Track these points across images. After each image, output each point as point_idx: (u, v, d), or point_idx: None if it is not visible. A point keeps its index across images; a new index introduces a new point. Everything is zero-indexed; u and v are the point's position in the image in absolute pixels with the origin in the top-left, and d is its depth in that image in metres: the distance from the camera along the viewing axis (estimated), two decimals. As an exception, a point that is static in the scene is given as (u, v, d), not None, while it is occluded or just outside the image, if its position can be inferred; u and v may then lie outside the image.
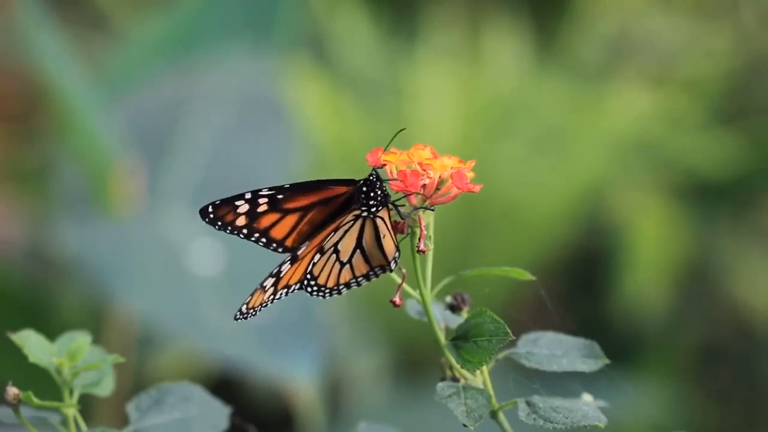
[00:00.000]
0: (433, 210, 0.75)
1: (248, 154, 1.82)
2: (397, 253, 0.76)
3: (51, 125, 2.08)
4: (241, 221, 0.78)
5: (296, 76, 2.07)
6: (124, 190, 1.73)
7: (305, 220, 0.78)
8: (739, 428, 2.23)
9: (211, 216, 0.78)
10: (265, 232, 0.78)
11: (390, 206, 0.76)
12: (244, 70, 1.92)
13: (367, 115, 2.17)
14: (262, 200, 0.78)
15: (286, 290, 0.77)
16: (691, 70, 2.40)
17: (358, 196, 0.76)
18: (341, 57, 2.31)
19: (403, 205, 0.76)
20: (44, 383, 0.82)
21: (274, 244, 0.78)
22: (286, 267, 0.76)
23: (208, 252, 1.68)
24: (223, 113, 1.84)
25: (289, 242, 0.78)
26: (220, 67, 1.91)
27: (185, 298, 1.63)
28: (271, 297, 0.77)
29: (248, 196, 0.78)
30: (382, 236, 0.76)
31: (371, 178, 0.76)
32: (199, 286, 1.64)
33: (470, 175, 0.75)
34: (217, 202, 0.78)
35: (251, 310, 0.77)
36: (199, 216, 0.78)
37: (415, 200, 0.75)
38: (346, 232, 0.76)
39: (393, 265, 0.76)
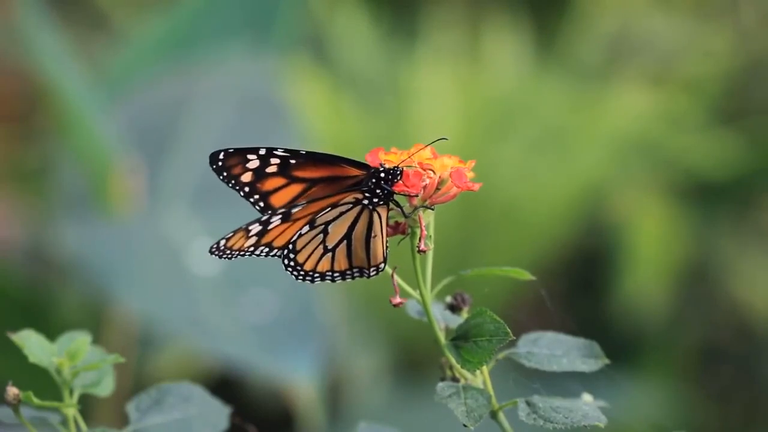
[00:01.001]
0: (433, 209, 0.75)
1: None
2: (382, 264, 0.75)
3: (51, 125, 2.08)
4: (246, 177, 0.76)
5: (296, 76, 2.07)
6: (124, 190, 1.73)
7: (307, 194, 0.76)
8: (739, 428, 2.23)
9: (220, 164, 0.77)
10: (265, 196, 0.76)
11: (392, 206, 0.75)
12: (244, 70, 1.92)
13: (367, 115, 2.16)
14: (274, 160, 0.76)
15: (267, 250, 0.75)
16: (691, 70, 2.40)
17: (368, 181, 0.75)
18: (341, 57, 2.31)
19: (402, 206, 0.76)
20: (44, 383, 0.82)
21: (269, 212, 0.76)
22: (276, 221, 0.75)
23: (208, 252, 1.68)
24: (223, 113, 1.84)
25: (299, 213, 0.76)
26: (220, 67, 1.91)
27: (185, 298, 1.63)
28: (251, 249, 0.75)
29: (262, 152, 0.76)
30: (373, 235, 0.75)
31: (394, 170, 0.74)
32: (199, 286, 1.64)
33: (470, 174, 0.75)
34: (230, 150, 0.76)
35: (228, 250, 0.75)
36: (208, 161, 0.77)
37: (415, 200, 0.75)
38: (341, 213, 0.75)
39: (373, 273, 0.75)
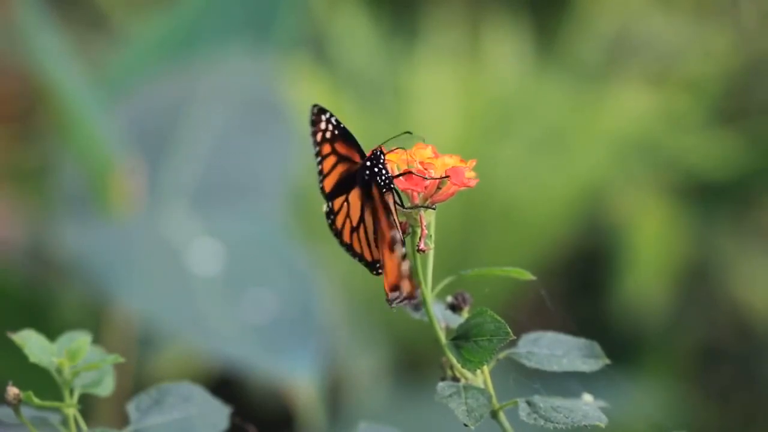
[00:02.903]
0: (434, 209, 0.75)
1: (248, 154, 1.82)
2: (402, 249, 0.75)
3: (51, 125, 2.08)
4: (319, 136, 0.78)
5: (296, 76, 2.07)
6: (124, 190, 1.73)
7: (336, 168, 0.77)
8: (739, 428, 2.23)
9: (315, 116, 0.78)
10: (321, 160, 0.77)
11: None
12: (244, 70, 1.92)
13: (367, 115, 2.17)
14: (329, 126, 0.77)
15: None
16: (691, 70, 2.40)
17: (363, 174, 0.75)
18: (341, 57, 2.31)
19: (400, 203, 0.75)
20: (44, 383, 0.82)
21: (320, 177, 0.77)
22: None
23: (208, 252, 1.68)
24: (223, 113, 1.84)
25: (326, 183, 0.77)
26: (220, 67, 1.91)
27: (185, 298, 1.63)
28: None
29: (327, 115, 0.77)
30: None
31: (375, 153, 0.75)
32: (199, 286, 1.64)
33: (471, 174, 0.75)
34: (320, 107, 0.78)
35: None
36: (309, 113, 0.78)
37: (417, 199, 0.75)
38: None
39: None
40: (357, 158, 0.76)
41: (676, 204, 2.27)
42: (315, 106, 0.78)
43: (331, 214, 0.76)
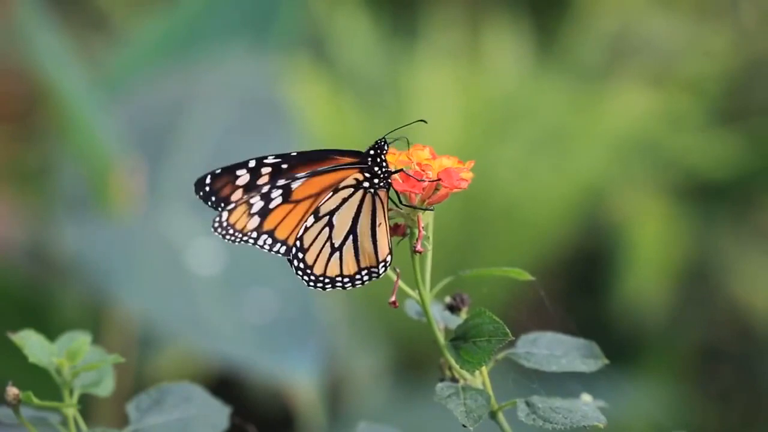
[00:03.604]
0: (432, 210, 0.74)
1: (248, 153, 1.82)
2: (389, 257, 0.73)
3: (51, 125, 2.08)
4: (236, 196, 0.72)
5: (296, 76, 2.07)
6: (124, 190, 1.73)
7: (306, 183, 0.72)
8: (739, 428, 2.23)
9: (207, 189, 0.72)
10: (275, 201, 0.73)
11: (391, 205, 0.74)
12: (244, 70, 1.92)
13: (367, 115, 2.17)
14: (265, 170, 0.72)
15: (270, 241, 0.70)
16: (691, 70, 2.40)
17: (363, 162, 0.73)
18: (341, 57, 2.31)
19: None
20: (44, 383, 0.82)
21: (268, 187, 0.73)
22: (277, 196, 0.70)
23: (208, 252, 1.68)
24: (223, 113, 1.84)
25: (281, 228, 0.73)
26: (220, 67, 1.91)
27: (185, 298, 1.63)
28: (254, 235, 0.70)
29: (252, 164, 0.72)
30: (377, 224, 0.72)
31: (379, 142, 0.72)
32: (199, 286, 1.64)
33: (469, 174, 0.74)
34: (217, 171, 0.72)
35: (230, 229, 0.70)
36: (194, 190, 0.72)
37: (415, 200, 0.75)
38: (344, 200, 0.71)
39: (382, 270, 0.73)
40: (344, 160, 0.73)
41: (676, 204, 2.27)
42: (210, 173, 0.71)
43: (300, 251, 0.72)
